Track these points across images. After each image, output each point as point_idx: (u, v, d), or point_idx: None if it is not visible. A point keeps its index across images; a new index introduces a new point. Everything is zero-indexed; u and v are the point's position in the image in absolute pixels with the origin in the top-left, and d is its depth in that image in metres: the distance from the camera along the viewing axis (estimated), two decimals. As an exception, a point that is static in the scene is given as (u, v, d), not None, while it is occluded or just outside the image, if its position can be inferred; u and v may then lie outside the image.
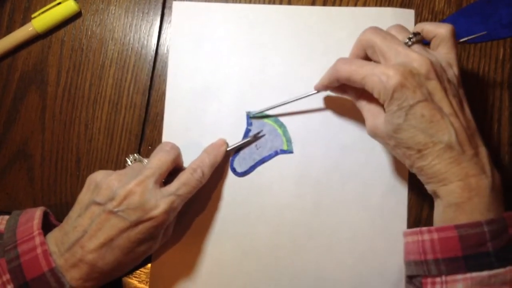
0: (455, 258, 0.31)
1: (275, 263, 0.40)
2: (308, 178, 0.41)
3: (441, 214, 0.33)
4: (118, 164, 0.43)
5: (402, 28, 0.36)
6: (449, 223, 0.32)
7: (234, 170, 0.42)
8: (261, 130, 0.42)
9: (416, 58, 0.32)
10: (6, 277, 0.33)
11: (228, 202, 0.41)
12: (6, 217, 0.37)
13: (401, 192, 0.41)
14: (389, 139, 0.34)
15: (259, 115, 0.42)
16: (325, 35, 0.43)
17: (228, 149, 0.41)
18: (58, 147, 0.43)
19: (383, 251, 0.40)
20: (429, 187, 0.34)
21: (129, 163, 0.40)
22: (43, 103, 0.44)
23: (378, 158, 0.41)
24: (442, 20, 0.43)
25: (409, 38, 0.34)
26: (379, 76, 0.32)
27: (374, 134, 0.36)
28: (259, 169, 0.42)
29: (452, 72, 0.34)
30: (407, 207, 0.41)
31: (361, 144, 0.41)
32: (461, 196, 0.31)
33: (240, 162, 0.42)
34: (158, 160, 0.36)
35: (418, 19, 0.43)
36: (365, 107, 0.36)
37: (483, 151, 0.33)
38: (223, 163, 0.41)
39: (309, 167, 0.42)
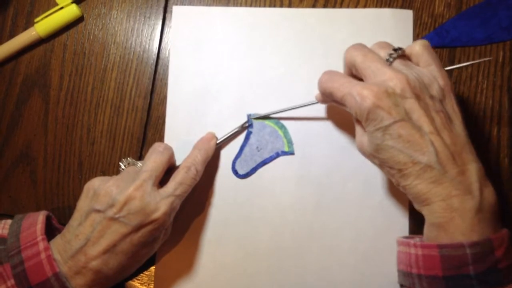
0: (436, 277, 0.30)
1: (277, 264, 0.41)
2: (310, 179, 0.42)
3: (426, 232, 0.33)
4: (120, 167, 0.43)
5: (385, 44, 0.35)
6: (433, 242, 0.31)
7: (236, 172, 0.42)
8: (248, 120, 0.42)
9: (391, 76, 0.31)
10: (11, 282, 0.33)
11: (230, 204, 0.42)
12: (9, 221, 0.37)
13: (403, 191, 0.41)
14: (373, 158, 0.34)
15: (260, 116, 0.42)
16: (324, 36, 0.43)
17: (217, 142, 0.41)
18: (61, 150, 0.44)
19: (385, 251, 0.40)
20: (415, 207, 0.34)
21: (123, 167, 0.40)
22: (45, 107, 0.44)
23: None
24: (442, 24, 0.43)
25: (390, 55, 0.33)
26: (355, 97, 0.32)
27: (361, 152, 0.35)
28: (260, 170, 0.42)
29: (437, 85, 0.32)
30: (408, 207, 0.41)
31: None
32: (443, 216, 0.31)
33: (242, 164, 0.42)
34: (154, 162, 0.36)
35: (418, 22, 0.43)
36: (355, 123, 0.36)
37: (472, 168, 0.31)
38: (221, 164, 0.42)
39: (310, 168, 0.42)
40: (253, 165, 0.42)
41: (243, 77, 0.43)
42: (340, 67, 0.42)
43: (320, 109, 0.43)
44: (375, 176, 0.41)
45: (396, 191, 0.41)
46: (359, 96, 0.31)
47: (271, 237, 0.41)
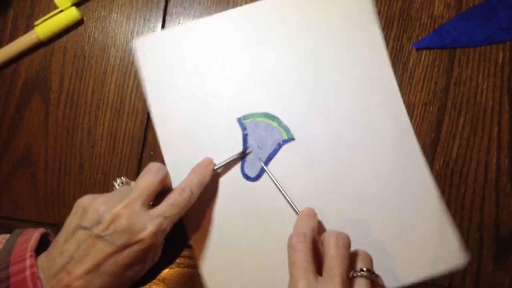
0: None
1: None
2: (318, 158, 0.42)
3: None
4: (121, 170, 0.43)
5: (367, 258, 0.35)
6: None
7: (247, 177, 0.42)
8: (248, 147, 0.42)
9: None
10: None
11: (251, 208, 0.41)
12: (7, 236, 0.36)
13: (412, 150, 0.41)
14: None
15: (249, 117, 0.43)
16: (292, 25, 0.43)
17: (215, 167, 0.40)
18: (61, 153, 0.44)
19: (404, 219, 0.41)
20: None
21: (117, 186, 0.39)
22: (46, 110, 0.44)
23: (374, 119, 0.42)
24: (442, 25, 0.43)
25: (361, 270, 0.33)
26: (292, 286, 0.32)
27: None
28: (269, 167, 0.42)
29: None
30: (421, 156, 0.41)
31: (358, 113, 0.42)
32: None
33: (250, 167, 0.42)
34: (145, 182, 0.36)
35: (418, 23, 0.43)
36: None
37: None
38: (231, 174, 0.42)
39: (315, 148, 0.42)
40: (261, 164, 0.42)
41: (226, 85, 0.43)
42: (322, 59, 0.42)
43: (307, 86, 0.43)
44: (378, 142, 0.41)
45: (404, 152, 0.41)
46: None
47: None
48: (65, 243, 0.34)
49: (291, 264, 0.33)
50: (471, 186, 0.41)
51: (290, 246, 0.34)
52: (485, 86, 0.42)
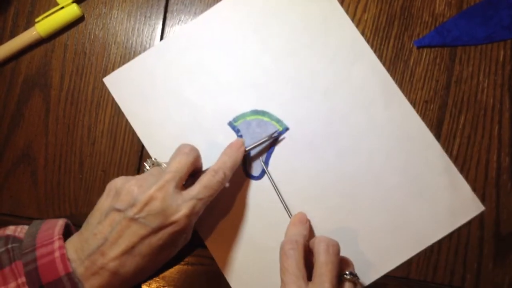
0: None
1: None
2: (317, 143, 0.42)
3: None
4: (121, 167, 0.43)
5: (349, 261, 0.37)
6: None
7: (252, 177, 0.42)
8: (276, 130, 0.42)
9: None
10: (22, 280, 0.32)
11: (259, 206, 0.41)
12: (26, 226, 0.36)
13: (401, 104, 0.42)
14: None
15: (239, 120, 0.43)
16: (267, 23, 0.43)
17: (247, 149, 0.40)
18: (62, 150, 0.44)
19: (411, 174, 0.41)
20: None
21: (147, 167, 0.39)
22: (46, 107, 0.44)
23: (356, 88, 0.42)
24: (443, 23, 0.43)
25: (345, 275, 0.35)
26: None
27: None
28: (271, 162, 0.42)
29: None
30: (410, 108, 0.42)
31: (341, 87, 0.42)
32: None
33: (253, 166, 0.42)
34: (178, 163, 0.36)
35: (419, 21, 0.43)
36: None
37: None
38: (236, 174, 0.42)
39: (313, 131, 0.42)
40: (263, 161, 0.42)
41: (209, 95, 0.43)
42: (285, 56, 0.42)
43: (289, 73, 0.43)
44: (371, 113, 0.42)
45: (394, 107, 0.42)
46: None
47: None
48: (98, 224, 0.34)
49: (283, 270, 0.34)
50: (471, 184, 0.41)
51: (283, 253, 0.35)
52: (486, 84, 0.42)
